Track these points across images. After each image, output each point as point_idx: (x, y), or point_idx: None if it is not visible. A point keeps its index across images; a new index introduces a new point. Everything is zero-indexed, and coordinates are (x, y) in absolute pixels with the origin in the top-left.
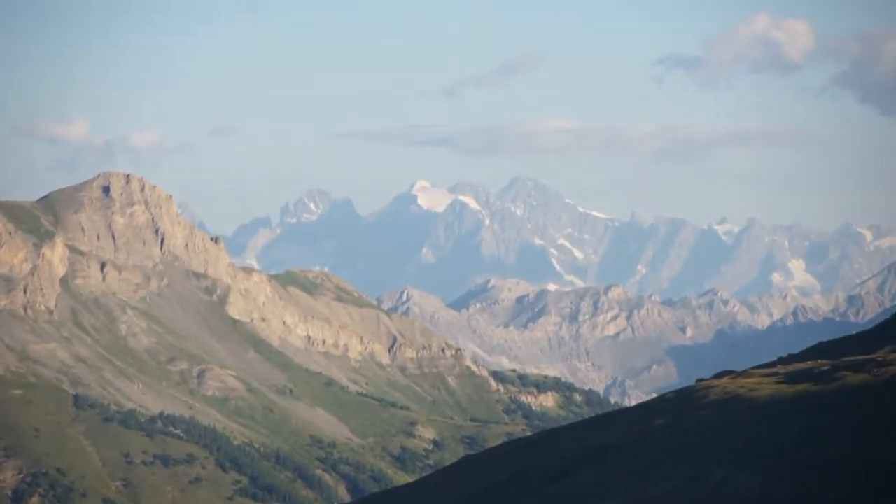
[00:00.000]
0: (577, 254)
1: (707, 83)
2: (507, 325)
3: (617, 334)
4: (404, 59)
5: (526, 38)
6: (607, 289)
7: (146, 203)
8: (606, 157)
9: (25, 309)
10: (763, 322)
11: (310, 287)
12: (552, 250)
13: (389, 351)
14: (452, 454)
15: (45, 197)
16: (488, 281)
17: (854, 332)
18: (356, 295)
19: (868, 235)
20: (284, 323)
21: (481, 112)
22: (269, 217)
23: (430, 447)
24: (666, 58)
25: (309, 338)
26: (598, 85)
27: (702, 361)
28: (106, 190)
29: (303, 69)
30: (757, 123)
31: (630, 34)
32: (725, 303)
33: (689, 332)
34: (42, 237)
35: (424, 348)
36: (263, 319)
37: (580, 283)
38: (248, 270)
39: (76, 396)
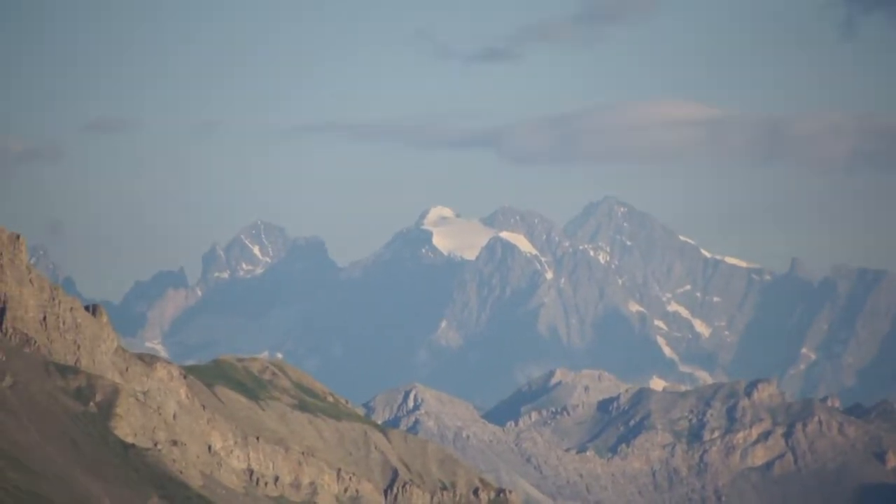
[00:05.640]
0: (701, 327)
1: None
2: (582, 449)
3: (769, 464)
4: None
5: None
6: (752, 386)
7: None
8: (754, 167)
9: None
10: None
11: (253, 387)
12: (658, 322)
13: (387, 493)
14: None
15: None
16: (551, 374)
17: None
18: (331, 399)
19: None
20: (210, 448)
21: (544, 91)
22: (183, 270)
23: None
24: None
25: (251, 472)
26: (747, 41)
27: None
28: None
29: (242, 17)
30: None
31: None
32: None
33: (891, 459)
34: None
35: (445, 488)
36: (175, 443)
37: (706, 378)
38: (149, 360)
39: None
